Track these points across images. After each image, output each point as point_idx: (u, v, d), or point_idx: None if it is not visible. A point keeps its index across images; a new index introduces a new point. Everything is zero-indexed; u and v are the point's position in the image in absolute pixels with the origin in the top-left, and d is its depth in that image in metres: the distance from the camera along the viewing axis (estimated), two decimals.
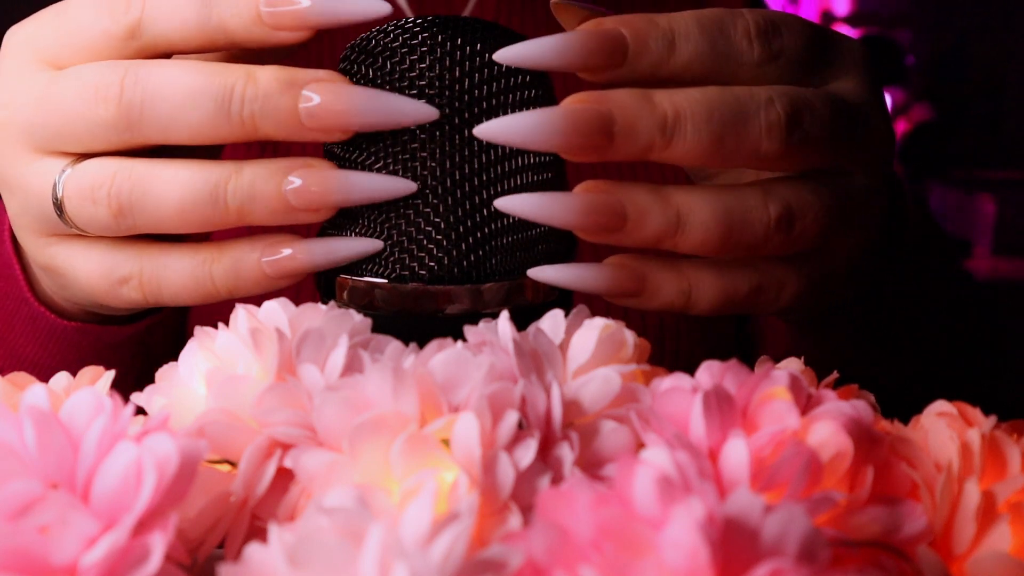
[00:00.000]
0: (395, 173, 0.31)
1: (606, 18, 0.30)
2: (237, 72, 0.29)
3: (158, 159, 0.30)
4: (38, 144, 0.31)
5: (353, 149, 0.31)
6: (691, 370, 0.26)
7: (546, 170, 0.32)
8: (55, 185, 0.31)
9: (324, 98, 0.29)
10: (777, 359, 0.28)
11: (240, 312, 0.28)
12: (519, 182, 0.31)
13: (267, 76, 0.29)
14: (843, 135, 0.30)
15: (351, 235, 0.32)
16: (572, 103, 0.28)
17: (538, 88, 0.32)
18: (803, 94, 0.29)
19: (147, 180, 0.30)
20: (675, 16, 0.29)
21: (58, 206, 0.31)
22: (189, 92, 0.29)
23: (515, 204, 0.29)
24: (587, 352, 0.26)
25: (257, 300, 0.29)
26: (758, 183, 0.30)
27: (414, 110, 0.29)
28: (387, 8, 0.29)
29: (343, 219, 0.32)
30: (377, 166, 0.31)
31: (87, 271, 0.32)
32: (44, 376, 0.28)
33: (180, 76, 0.29)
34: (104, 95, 0.29)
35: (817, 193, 0.30)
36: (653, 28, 0.29)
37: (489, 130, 0.29)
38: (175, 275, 0.31)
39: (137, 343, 0.44)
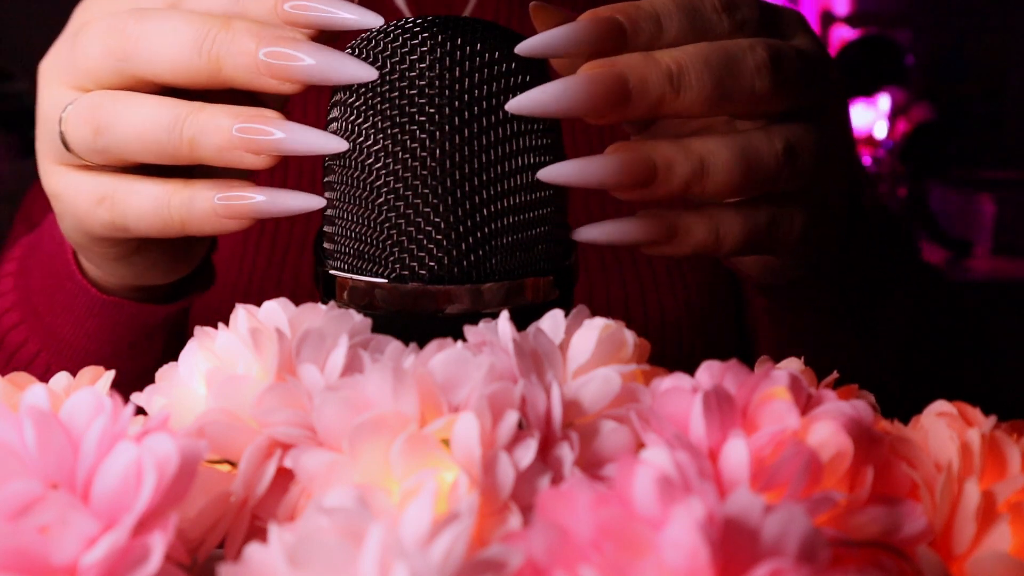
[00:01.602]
0: (395, 172, 0.31)
1: (599, 8, 0.32)
2: (218, 19, 0.32)
3: (143, 94, 0.34)
4: (66, 79, 0.35)
5: (353, 148, 0.31)
6: (691, 370, 0.26)
7: None
8: (63, 111, 0.35)
9: (282, 48, 0.31)
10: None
11: (240, 312, 0.28)
12: (519, 182, 0.31)
13: (240, 24, 0.32)
14: (812, 77, 0.34)
15: (348, 233, 0.32)
16: (588, 69, 0.31)
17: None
18: (774, 42, 0.33)
19: (124, 104, 0.33)
20: (656, 1, 0.33)
21: (61, 130, 0.35)
22: (176, 32, 0.32)
23: (556, 173, 0.31)
24: (587, 352, 0.26)
25: (257, 300, 0.29)
26: (757, 127, 0.33)
27: (354, 69, 0.31)
28: (379, 21, 0.31)
29: (342, 218, 0.32)
30: (377, 166, 0.31)
31: (76, 192, 0.35)
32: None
33: (174, 20, 0.33)
34: (112, 30, 0.33)
35: (806, 128, 0.34)
36: (640, 11, 0.32)
37: (521, 104, 0.30)
38: (140, 199, 0.34)
39: (171, 330, 0.46)
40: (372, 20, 0.31)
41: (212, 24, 0.32)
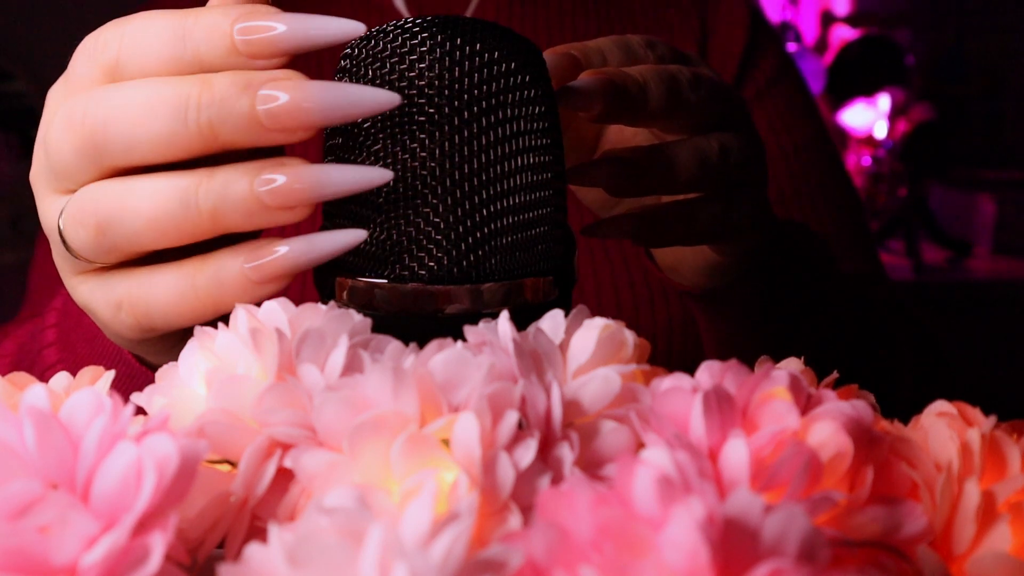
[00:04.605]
0: (395, 172, 0.31)
1: (555, 48, 0.38)
2: (192, 80, 0.29)
3: (136, 176, 0.30)
4: (51, 185, 0.32)
5: (352, 149, 0.31)
6: (691, 370, 0.26)
7: (546, 169, 0.32)
8: (58, 219, 0.32)
9: (283, 95, 0.29)
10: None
11: (240, 312, 0.28)
12: (519, 182, 0.31)
13: (223, 80, 0.29)
14: (724, 95, 0.40)
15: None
16: (589, 75, 0.36)
17: (537, 88, 0.32)
18: (689, 68, 0.39)
19: (122, 194, 0.30)
20: (597, 40, 0.39)
21: (63, 238, 0.32)
22: (145, 105, 0.29)
23: (575, 176, 0.37)
24: (587, 352, 0.26)
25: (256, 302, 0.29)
26: (694, 136, 0.39)
27: (373, 99, 0.29)
28: (361, 28, 0.30)
29: (342, 222, 0.32)
30: (377, 167, 0.31)
31: (94, 301, 0.33)
32: None
33: (138, 91, 0.29)
34: (71, 123, 0.30)
35: (731, 135, 0.40)
36: (588, 48, 0.38)
37: (572, 85, 0.35)
38: (160, 292, 0.31)
39: None
40: (351, 28, 0.30)
41: (188, 87, 0.29)
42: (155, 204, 0.30)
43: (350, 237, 0.30)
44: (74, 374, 0.30)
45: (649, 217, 0.39)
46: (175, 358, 0.36)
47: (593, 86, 0.35)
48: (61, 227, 0.32)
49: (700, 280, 0.46)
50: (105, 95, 0.30)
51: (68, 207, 0.31)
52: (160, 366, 0.40)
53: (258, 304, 0.29)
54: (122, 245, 0.31)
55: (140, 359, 0.40)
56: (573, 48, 0.38)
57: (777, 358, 0.29)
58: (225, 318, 0.28)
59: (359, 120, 0.31)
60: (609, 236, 0.39)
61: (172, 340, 0.35)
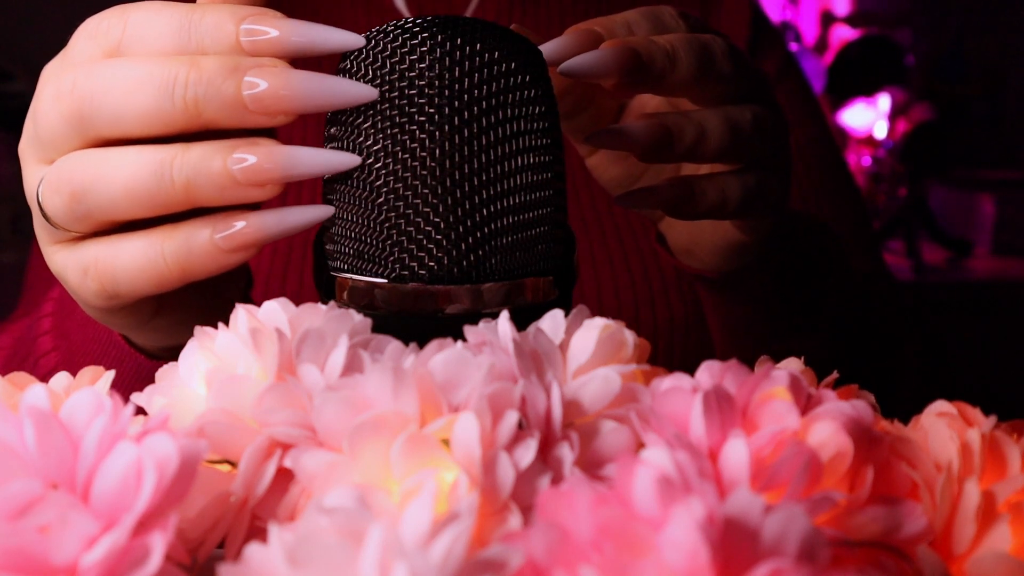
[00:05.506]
0: (395, 173, 0.31)
1: (579, 25, 0.37)
2: (181, 60, 0.31)
3: (113, 147, 0.32)
4: (36, 155, 0.34)
5: (352, 148, 0.31)
6: (691, 370, 0.26)
7: (546, 169, 0.32)
8: (38, 186, 0.33)
9: (267, 82, 0.30)
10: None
11: (240, 312, 0.28)
12: (519, 182, 0.31)
13: (211, 63, 0.30)
14: (751, 68, 0.39)
15: (348, 233, 0.32)
16: (607, 46, 0.35)
17: (537, 88, 0.32)
18: (723, 39, 0.39)
19: (98, 163, 0.31)
20: (625, 12, 0.39)
21: (40, 206, 0.33)
22: (135, 81, 0.30)
23: (604, 137, 0.36)
24: (587, 352, 0.26)
25: (256, 301, 0.29)
26: (727, 106, 0.38)
27: (354, 91, 0.30)
28: (361, 42, 0.31)
29: (342, 218, 0.32)
30: (377, 166, 0.31)
31: (67, 268, 0.34)
32: None
33: (127, 67, 0.31)
34: (60, 93, 0.31)
35: (761, 106, 0.39)
36: (613, 22, 0.38)
37: (571, 65, 0.35)
38: (127, 257, 0.32)
39: None
40: (352, 40, 0.31)
41: (177, 66, 0.30)
42: (130, 174, 0.31)
43: (319, 212, 0.32)
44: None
45: (684, 186, 0.38)
46: (151, 334, 0.37)
47: (608, 57, 0.34)
48: (39, 195, 0.33)
49: (717, 262, 0.46)
50: (97, 68, 0.31)
51: (47, 175, 0.32)
52: (150, 350, 0.41)
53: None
54: (96, 213, 0.32)
55: (129, 341, 0.41)
56: (596, 23, 0.37)
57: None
58: (225, 318, 0.28)
59: (357, 118, 0.31)
60: (643, 206, 0.38)
61: (143, 314, 0.36)
